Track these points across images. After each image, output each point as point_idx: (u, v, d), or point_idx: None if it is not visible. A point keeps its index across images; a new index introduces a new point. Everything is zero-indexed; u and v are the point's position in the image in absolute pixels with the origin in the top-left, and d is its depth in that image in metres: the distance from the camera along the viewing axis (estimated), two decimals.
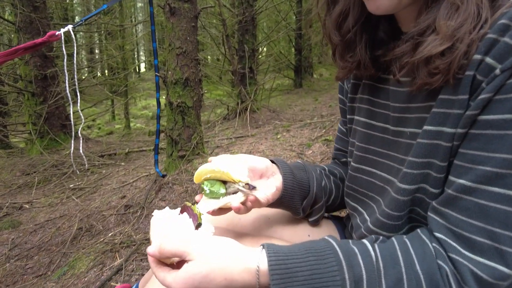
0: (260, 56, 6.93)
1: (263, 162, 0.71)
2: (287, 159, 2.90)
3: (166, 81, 2.45)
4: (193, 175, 2.55)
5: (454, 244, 0.47)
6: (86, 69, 7.57)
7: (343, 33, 0.62)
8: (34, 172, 4.31)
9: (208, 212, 0.62)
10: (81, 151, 2.10)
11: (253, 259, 0.49)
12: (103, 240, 2.06)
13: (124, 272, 1.67)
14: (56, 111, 4.95)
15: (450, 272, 0.46)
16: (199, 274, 0.48)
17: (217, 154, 3.18)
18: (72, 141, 2.06)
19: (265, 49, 8.51)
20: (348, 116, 0.76)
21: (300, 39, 8.55)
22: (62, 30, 2.04)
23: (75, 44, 1.94)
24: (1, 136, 5.26)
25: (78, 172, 3.44)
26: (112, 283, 1.61)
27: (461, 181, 0.46)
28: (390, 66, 0.59)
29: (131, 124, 7.94)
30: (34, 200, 3.33)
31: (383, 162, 0.64)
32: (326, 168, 0.86)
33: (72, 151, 2.14)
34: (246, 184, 0.63)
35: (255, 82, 5.59)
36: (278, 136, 3.85)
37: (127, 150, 4.59)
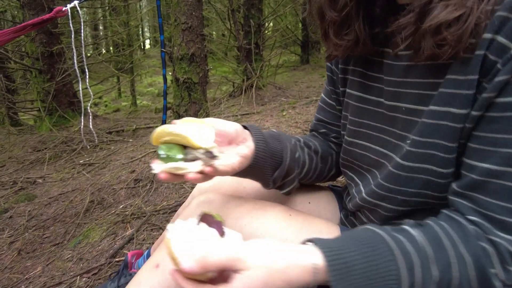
0: (266, 31, 6.82)
1: (232, 127, 0.64)
2: (293, 135, 2.93)
3: (172, 57, 2.46)
4: None
5: (489, 226, 0.47)
6: (91, 46, 7.54)
7: (339, 9, 0.60)
8: (45, 148, 4.41)
9: (160, 176, 0.56)
10: (91, 127, 2.15)
11: (308, 257, 0.47)
12: (115, 212, 2.15)
13: (136, 241, 1.76)
14: (64, 88, 4.99)
15: (492, 253, 0.46)
16: (258, 281, 0.44)
17: None
18: (82, 118, 2.11)
19: (271, 24, 8.35)
20: (341, 89, 0.75)
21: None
22: (69, 6, 2.05)
23: (81, 20, 1.95)
24: (11, 113, 5.34)
25: (88, 147, 3.51)
26: (124, 251, 1.70)
27: (486, 165, 0.46)
28: (388, 40, 0.60)
29: (137, 102, 7.98)
30: (46, 175, 3.43)
31: (378, 136, 0.66)
32: (301, 140, 0.83)
33: (82, 127, 2.19)
34: (207, 151, 0.56)
35: (261, 58, 5.53)
36: (284, 113, 3.86)
37: (134, 127, 4.65)
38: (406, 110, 0.58)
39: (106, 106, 8.47)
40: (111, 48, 11.33)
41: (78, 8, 1.95)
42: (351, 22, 0.61)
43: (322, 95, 0.84)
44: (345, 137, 0.74)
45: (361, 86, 0.69)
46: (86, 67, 2.00)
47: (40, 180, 3.28)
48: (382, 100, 0.64)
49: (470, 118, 0.48)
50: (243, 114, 4.16)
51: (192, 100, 2.53)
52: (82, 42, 1.68)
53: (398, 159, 0.58)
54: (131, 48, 7.24)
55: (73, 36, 1.97)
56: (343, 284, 0.45)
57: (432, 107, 0.52)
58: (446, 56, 0.47)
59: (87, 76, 2.00)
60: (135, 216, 2.00)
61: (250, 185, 0.83)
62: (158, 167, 0.56)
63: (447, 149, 0.51)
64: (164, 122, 2.59)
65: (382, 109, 0.64)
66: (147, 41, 21.33)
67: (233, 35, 5.36)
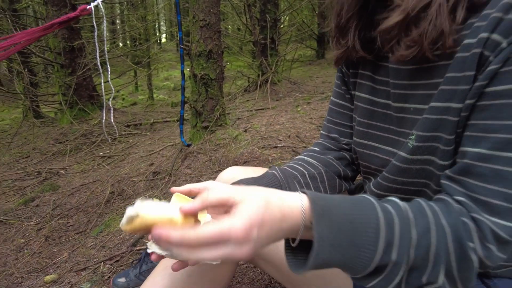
0: (282, 26, 6.81)
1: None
2: (307, 131, 2.96)
3: (190, 53, 2.51)
4: (216, 146, 2.67)
5: (474, 206, 0.50)
6: (109, 41, 7.69)
7: (341, 17, 0.67)
8: (66, 140, 4.57)
9: (152, 258, 0.55)
10: (112, 121, 2.23)
11: (297, 198, 0.49)
12: (134, 203, 2.24)
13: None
14: (84, 82, 5.13)
15: (473, 228, 0.48)
16: (258, 206, 0.44)
17: (238, 126, 3.27)
18: (104, 113, 2.20)
19: (287, 18, 8.31)
20: (351, 92, 0.80)
21: (324, 7, 8.28)
22: (92, 4, 2.12)
23: (104, 18, 2.02)
24: (34, 106, 5.53)
25: (109, 141, 3.63)
26: (144, 240, 1.78)
27: (476, 149, 0.49)
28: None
29: (154, 95, 8.11)
30: (68, 167, 3.57)
31: (387, 137, 0.69)
32: (306, 174, 0.80)
33: (104, 121, 2.27)
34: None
35: (276, 53, 5.55)
36: (299, 109, 3.89)
37: (152, 121, 4.75)
38: (414, 110, 0.62)
39: (123, 99, 8.64)
40: (127, 42, 11.51)
41: (101, 6, 2.02)
42: (349, 30, 0.68)
43: (333, 98, 0.87)
44: (354, 138, 0.78)
45: (369, 89, 0.73)
46: (107, 62, 2.07)
47: (62, 171, 3.41)
48: (389, 102, 0.68)
49: (464, 108, 0.51)
50: (258, 109, 4.21)
51: (209, 96, 2.58)
52: (105, 38, 1.75)
53: (403, 154, 0.61)
54: (148, 42, 7.35)
55: (96, 33, 2.04)
56: (323, 221, 0.46)
57: (433, 104, 0.56)
58: (412, 55, 0.54)
59: (109, 71, 2.08)
60: None
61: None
62: (152, 248, 0.54)
63: (447, 142, 0.55)
64: (182, 116, 2.66)
65: (390, 110, 0.68)
66: (163, 35, 21.52)
67: (249, 30, 5.38)
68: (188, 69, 2.61)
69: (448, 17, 0.51)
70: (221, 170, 2.42)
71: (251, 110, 4.21)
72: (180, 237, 0.43)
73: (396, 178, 0.65)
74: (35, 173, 3.49)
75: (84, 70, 4.75)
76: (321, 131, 0.91)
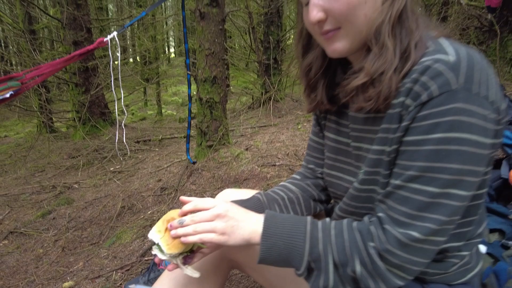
0: (285, 45, 7.07)
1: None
2: (305, 149, 3.14)
3: (197, 79, 2.74)
4: (219, 163, 2.87)
5: (387, 220, 0.68)
6: (118, 55, 8.03)
7: (310, 77, 0.85)
8: (79, 155, 4.81)
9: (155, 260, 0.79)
10: (124, 140, 2.44)
11: (258, 216, 0.75)
12: (143, 217, 2.43)
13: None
14: (96, 100, 5.41)
15: (375, 233, 0.67)
16: (226, 205, 0.74)
17: (240, 144, 3.47)
18: (117, 132, 2.41)
19: (291, 36, 8.59)
20: (324, 132, 0.98)
21: None
22: (109, 37, 2.36)
23: (119, 49, 2.26)
24: (48, 122, 5.82)
25: (121, 159, 3.85)
26: (152, 252, 1.97)
27: (396, 181, 0.67)
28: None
29: (163, 111, 8.39)
30: (81, 181, 3.79)
31: (348, 169, 0.87)
32: (286, 197, 0.98)
33: (116, 140, 2.49)
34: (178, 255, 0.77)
35: (279, 72, 5.78)
36: (299, 126, 4.07)
37: (160, 137, 4.98)
38: (365, 150, 0.80)
39: (132, 114, 8.93)
40: (138, 58, 11.90)
41: (117, 39, 2.26)
42: (316, 87, 0.86)
43: (311, 135, 1.04)
44: (324, 169, 0.96)
45: (335, 130, 0.91)
46: (122, 90, 2.30)
47: (76, 185, 3.63)
48: (350, 141, 0.85)
49: (393, 151, 0.69)
50: (261, 126, 4.40)
51: (213, 117, 2.80)
52: (119, 67, 1.96)
53: (356, 184, 0.80)
54: (157, 61, 7.67)
55: (111, 62, 2.27)
56: (270, 227, 0.72)
57: (374, 146, 0.74)
58: (370, 107, 0.70)
59: (122, 97, 2.30)
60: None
61: None
62: (155, 251, 0.77)
63: (384, 176, 0.72)
64: (188, 136, 2.87)
65: (350, 148, 0.86)
66: (172, 50, 22.09)
67: (253, 51, 5.63)
68: (194, 93, 2.83)
69: (397, 80, 0.68)
70: (222, 187, 2.61)
71: (254, 127, 4.40)
72: (194, 206, 0.76)
73: (350, 203, 0.83)
74: (50, 187, 3.72)
75: (97, 89, 5.03)
76: (303, 162, 1.10)
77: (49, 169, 4.55)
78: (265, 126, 4.41)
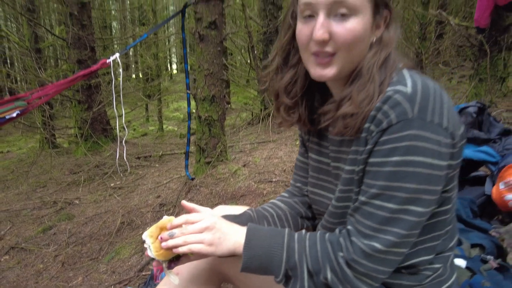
0: None
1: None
2: None
3: (196, 97, 2.84)
4: (217, 180, 2.93)
5: (354, 232, 0.75)
6: (120, 74, 8.21)
7: (291, 96, 0.89)
8: (80, 171, 4.88)
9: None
10: (125, 157, 2.52)
11: (242, 229, 0.82)
12: (142, 232, 2.48)
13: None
14: (98, 116, 5.52)
15: (343, 244, 0.74)
16: (213, 218, 0.81)
17: (239, 160, 3.54)
18: (118, 149, 2.48)
19: None
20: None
21: None
22: (111, 58, 2.46)
23: (121, 70, 2.35)
24: (51, 138, 5.92)
25: (122, 175, 3.92)
26: (150, 267, 2.01)
27: (362, 198, 0.75)
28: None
29: (164, 126, 8.50)
30: (81, 197, 3.84)
31: (329, 187, 0.93)
32: (275, 214, 1.04)
33: (118, 158, 2.56)
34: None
35: None
36: (297, 143, 4.15)
37: (160, 153, 5.05)
38: (342, 169, 0.87)
39: (134, 130, 9.04)
40: (140, 75, 12.12)
41: (119, 60, 2.36)
42: (297, 106, 0.92)
43: (298, 156, 1.11)
44: (308, 187, 1.03)
45: (317, 152, 0.98)
46: (123, 107, 2.39)
47: (76, 201, 3.69)
48: (330, 162, 0.93)
49: (360, 170, 0.77)
50: (260, 142, 4.48)
51: (212, 135, 2.88)
52: (121, 88, 2.05)
53: (333, 201, 0.87)
54: (159, 78, 7.83)
55: (113, 82, 2.37)
56: (252, 238, 0.79)
57: (347, 167, 0.81)
58: (348, 134, 0.78)
59: (124, 115, 2.38)
60: None
61: None
62: (148, 250, 0.84)
63: (356, 193, 0.79)
64: (187, 153, 2.94)
65: (330, 168, 0.93)
66: (174, 67, 22.44)
67: (253, 68, 5.77)
68: (194, 111, 2.92)
69: (370, 109, 0.74)
70: (220, 203, 2.66)
71: (253, 143, 4.48)
72: (185, 220, 0.82)
73: (329, 219, 0.89)
74: (52, 203, 3.77)
75: (99, 106, 5.14)
76: (291, 181, 1.17)
77: (51, 184, 4.61)
78: (264, 142, 4.49)
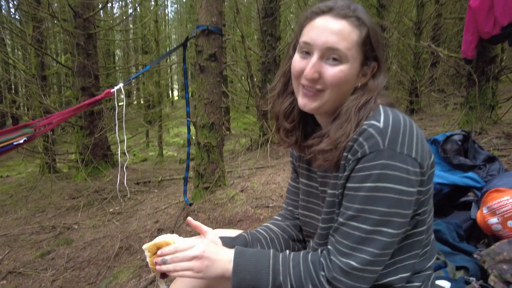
0: None
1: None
2: None
3: (196, 125, 2.94)
4: (215, 205, 2.98)
5: (333, 251, 0.82)
6: (123, 103, 8.40)
7: (290, 121, 0.98)
8: (79, 196, 4.92)
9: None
10: (125, 182, 2.58)
11: (231, 252, 0.88)
12: (140, 257, 2.50)
13: (157, 283, 2.09)
14: (99, 142, 5.62)
15: (325, 264, 0.80)
16: (203, 245, 0.87)
17: (237, 185, 3.60)
18: (119, 175, 2.55)
19: None
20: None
21: None
22: (115, 88, 2.59)
23: (124, 99, 2.47)
24: (52, 162, 5.99)
25: (121, 200, 3.96)
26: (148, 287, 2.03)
27: (341, 219, 0.83)
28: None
29: (164, 152, 8.59)
30: (80, 222, 3.87)
31: (318, 210, 1.01)
32: (268, 237, 1.10)
33: (118, 184, 2.63)
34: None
35: None
36: None
37: (160, 179, 5.10)
38: (327, 193, 0.95)
39: (134, 155, 9.12)
40: (141, 101, 12.36)
41: (122, 90, 2.48)
42: (295, 130, 1.00)
43: (289, 181, 1.19)
44: (299, 210, 1.10)
45: (306, 176, 1.06)
46: (125, 133, 2.48)
47: (75, 226, 3.71)
48: (318, 186, 1.01)
49: (340, 194, 0.85)
50: (258, 168, 4.54)
51: (210, 160, 2.96)
52: (123, 117, 2.15)
53: (320, 222, 0.94)
54: (161, 105, 8.02)
55: (116, 111, 2.48)
56: (239, 264, 0.85)
57: (329, 191, 0.89)
58: (328, 166, 0.86)
59: (125, 142, 2.47)
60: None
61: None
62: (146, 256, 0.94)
63: (337, 214, 0.87)
64: (186, 178, 3.01)
65: (318, 191, 1.00)
66: (175, 93, 22.86)
67: (252, 96, 5.94)
68: (194, 137, 3.02)
69: (347, 143, 0.83)
70: (217, 228, 2.69)
71: (252, 168, 4.54)
72: (172, 254, 0.87)
73: (317, 241, 0.96)
74: (50, 228, 3.79)
75: (101, 132, 5.25)
76: (283, 205, 1.24)
77: (50, 209, 4.64)
78: (262, 167, 4.55)
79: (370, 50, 0.86)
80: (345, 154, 0.82)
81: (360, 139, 0.79)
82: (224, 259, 0.87)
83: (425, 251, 0.92)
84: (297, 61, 0.88)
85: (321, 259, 0.84)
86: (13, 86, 14.61)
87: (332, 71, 0.83)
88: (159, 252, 0.89)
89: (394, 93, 7.91)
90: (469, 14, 3.16)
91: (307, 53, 0.86)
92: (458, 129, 1.99)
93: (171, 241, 0.92)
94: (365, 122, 0.80)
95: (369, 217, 0.77)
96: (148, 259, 0.92)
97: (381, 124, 0.78)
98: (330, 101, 0.87)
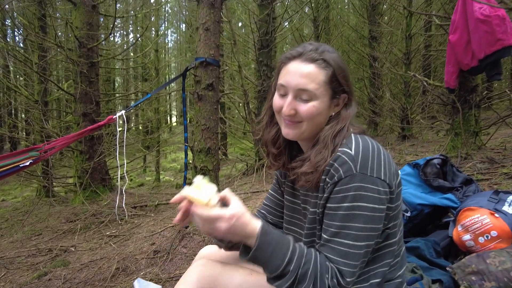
0: None
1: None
2: None
3: (193, 149, 3.08)
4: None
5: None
6: (125, 129, 8.57)
7: (276, 147, 1.13)
8: (77, 219, 4.95)
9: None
10: (123, 206, 2.68)
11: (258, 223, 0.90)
12: (136, 278, 2.56)
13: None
14: (98, 166, 5.72)
15: (331, 268, 0.88)
16: (241, 210, 0.87)
17: None
18: (117, 200, 2.65)
19: None
20: (282, 189, 1.25)
21: None
22: (117, 114, 2.75)
23: (125, 126, 2.62)
24: (50, 186, 6.05)
25: (119, 222, 4.02)
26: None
27: (324, 236, 0.94)
28: None
29: (161, 177, 8.67)
30: (77, 244, 3.90)
31: (301, 225, 1.13)
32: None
33: (116, 207, 2.72)
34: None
35: None
36: None
37: (156, 203, 5.17)
38: (308, 210, 1.07)
39: (131, 180, 9.19)
40: (140, 127, 12.55)
41: (124, 117, 2.64)
42: (282, 155, 1.15)
43: (270, 190, 1.32)
44: (284, 224, 1.22)
45: (290, 193, 1.19)
46: (125, 158, 2.61)
47: (72, 249, 3.75)
48: (300, 203, 1.13)
49: (320, 212, 0.97)
50: (254, 192, 4.64)
51: None
52: (124, 143, 2.29)
53: (303, 237, 1.05)
54: (159, 131, 8.19)
55: (117, 137, 2.62)
56: (262, 241, 0.87)
57: (311, 209, 1.02)
58: (309, 187, 0.99)
59: (125, 166, 2.60)
60: (153, 282, 2.41)
61: (230, 256, 1.29)
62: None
63: (319, 230, 0.99)
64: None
65: (300, 208, 1.13)
66: (174, 119, 23.15)
67: (248, 123, 6.12)
68: (190, 161, 3.14)
69: (324, 167, 0.97)
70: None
71: (247, 193, 4.63)
72: (200, 213, 0.87)
73: None
74: (47, 250, 3.82)
75: (100, 157, 5.36)
76: (258, 208, 1.36)
77: (46, 232, 4.66)
78: (258, 191, 4.65)
79: (337, 86, 1.02)
80: (323, 177, 0.96)
81: (336, 164, 0.93)
82: (248, 235, 0.89)
83: (396, 261, 1.04)
84: (277, 99, 1.04)
85: (327, 263, 0.91)
86: (13, 111, 14.81)
87: (305, 107, 0.99)
88: (193, 208, 0.89)
89: (386, 120, 8.17)
90: (449, 47, 3.40)
91: (284, 93, 1.02)
92: (437, 154, 2.14)
93: (207, 201, 0.89)
94: (339, 149, 0.95)
95: (349, 232, 0.90)
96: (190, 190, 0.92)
97: (352, 152, 0.93)
98: (308, 130, 1.02)
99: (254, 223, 0.90)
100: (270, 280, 0.93)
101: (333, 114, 1.05)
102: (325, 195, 0.95)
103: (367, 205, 0.90)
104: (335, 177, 0.92)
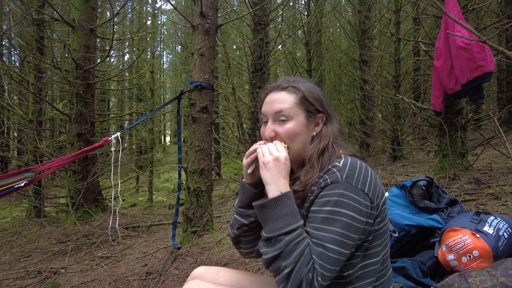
0: None
1: None
2: None
3: (187, 170, 3.13)
4: (202, 249, 3.07)
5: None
6: (120, 151, 8.58)
7: None
8: (68, 240, 4.89)
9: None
10: (117, 227, 2.69)
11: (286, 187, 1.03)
12: None
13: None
14: (91, 186, 5.69)
15: (313, 263, 0.93)
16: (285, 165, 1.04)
17: (226, 229, 3.69)
18: (111, 221, 2.67)
19: None
20: None
21: None
22: (113, 136, 2.80)
23: (120, 147, 2.67)
24: (41, 206, 5.99)
25: (112, 243, 4.00)
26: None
27: (306, 228, 1.00)
28: None
29: (153, 197, 8.62)
30: (67, 266, 3.86)
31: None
32: None
33: (110, 228, 2.72)
34: None
35: None
36: None
37: (149, 224, 5.15)
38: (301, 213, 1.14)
39: (123, 200, 9.11)
40: (133, 147, 12.56)
41: (120, 138, 2.69)
42: None
43: None
44: None
45: None
46: (119, 179, 2.64)
47: (62, 270, 3.70)
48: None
49: (305, 217, 1.04)
50: None
51: (199, 205, 3.10)
52: (119, 164, 2.32)
53: None
54: (153, 151, 8.21)
55: (112, 158, 2.66)
56: (287, 196, 1.00)
57: (304, 213, 1.08)
58: (299, 200, 1.07)
59: (119, 187, 2.63)
60: None
61: (222, 277, 1.33)
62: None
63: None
64: (175, 223, 3.12)
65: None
66: (168, 139, 23.18)
67: (242, 143, 6.20)
68: (184, 182, 3.18)
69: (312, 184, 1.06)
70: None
71: None
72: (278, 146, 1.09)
73: None
74: (36, 272, 3.76)
75: (93, 177, 5.36)
76: None
77: (36, 254, 4.59)
78: None
79: (309, 106, 1.14)
80: (313, 188, 1.04)
81: (325, 175, 1.03)
82: (282, 182, 1.03)
83: (381, 281, 1.09)
84: (262, 128, 1.19)
85: (313, 256, 0.95)
86: (5, 130, 14.72)
87: (283, 128, 1.11)
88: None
89: (378, 141, 8.32)
90: (434, 72, 3.55)
91: (266, 120, 1.16)
92: (423, 176, 2.21)
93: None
94: (330, 164, 1.05)
95: (326, 235, 0.96)
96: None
97: (340, 164, 1.03)
98: (292, 150, 1.12)
99: (287, 181, 1.05)
100: (262, 241, 1.01)
101: (315, 134, 1.15)
102: (311, 198, 1.04)
103: (347, 212, 0.97)
104: (322, 184, 1.02)
